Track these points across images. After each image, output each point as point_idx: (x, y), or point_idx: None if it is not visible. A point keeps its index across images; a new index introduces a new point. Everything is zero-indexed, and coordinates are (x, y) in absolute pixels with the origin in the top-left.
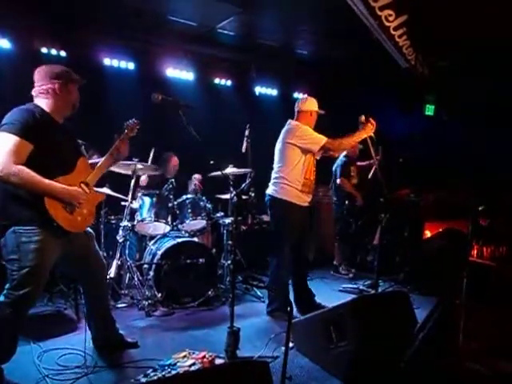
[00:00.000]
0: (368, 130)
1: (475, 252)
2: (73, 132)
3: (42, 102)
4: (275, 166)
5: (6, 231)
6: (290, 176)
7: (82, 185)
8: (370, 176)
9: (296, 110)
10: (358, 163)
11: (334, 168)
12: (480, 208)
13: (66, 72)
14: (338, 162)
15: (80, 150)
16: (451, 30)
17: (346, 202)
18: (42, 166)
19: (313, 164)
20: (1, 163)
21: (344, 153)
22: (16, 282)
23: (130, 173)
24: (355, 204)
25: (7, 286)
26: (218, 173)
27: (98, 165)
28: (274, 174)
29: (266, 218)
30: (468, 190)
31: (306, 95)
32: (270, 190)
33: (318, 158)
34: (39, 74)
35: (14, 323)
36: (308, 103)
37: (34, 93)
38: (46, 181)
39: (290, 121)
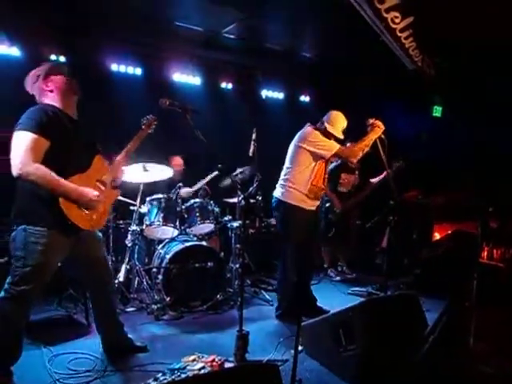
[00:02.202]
0: (377, 131)
1: (485, 254)
2: (88, 130)
3: (45, 101)
4: (284, 167)
5: (17, 226)
6: (296, 179)
7: (98, 183)
8: (375, 182)
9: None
10: (372, 180)
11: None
12: (490, 209)
13: (39, 69)
14: (332, 164)
15: (96, 147)
16: (459, 30)
17: (327, 205)
18: (58, 164)
19: (323, 171)
20: (20, 161)
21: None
22: (18, 278)
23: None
24: (334, 210)
25: (9, 280)
26: (228, 181)
27: (114, 164)
28: (282, 176)
29: (273, 221)
30: (477, 191)
31: (335, 112)
32: (277, 192)
33: (335, 162)
34: (26, 85)
35: (16, 321)
36: (327, 116)
37: (36, 96)
38: (62, 181)
39: (307, 124)
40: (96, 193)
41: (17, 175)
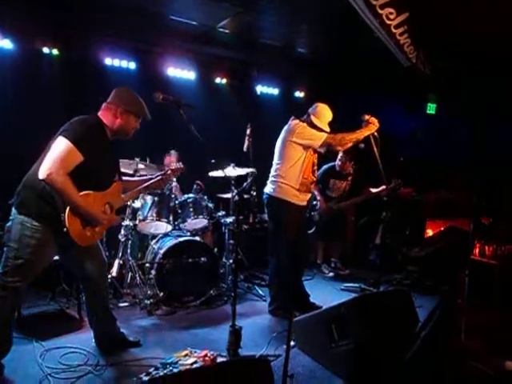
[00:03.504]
0: (371, 128)
1: (477, 250)
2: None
3: (103, 116)
4: (274, 163)
5: (15, 215)
6: (287, 174)
7: (107, 205)
8: (373, 192)
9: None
10: (372, 190)
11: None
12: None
13: (134, 102)
14: (325, 166)
15: (119, 173)
16: (453, 28)
17: (314, 203)
18: (81, 178)
19: (312, 163)
20: (51, 166)
21: (337, 163)
22: (8, 269)
23: (131, 172)
24: (317, 208)
25: None
26: (220, 173)
27: (127, 194)
28: (272, 172)
29: (267, 217)
30: (470, 188)
31: (321, 104)
32: (268, 188)
33: (322, 152)
34: (114, 92)
35: (3, 310)
36: (313, 109)
37: (103, 105)
38: (78, 197)
39: (292, 118)
40: (102, 215)
41: (42, 178)
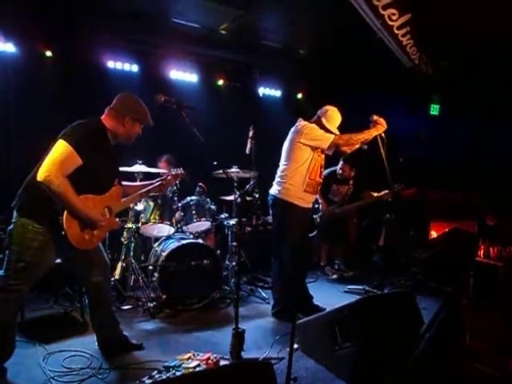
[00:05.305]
0: (379, 129)
1: (482, 252)
2: (118, 158)
3: (107, 121)
4: (281, 164)
5: (16, 218)
6: (294, 175)
7: (106, 209)
8: (375, 196)
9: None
10: (374, 194)
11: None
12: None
13: (140, 110)
14: (327, 171)
15: (120, 176)
16: (455, 29)
17: (316, 206)
18: (79, 182)
19: (319, 165)
20: (49, 169)
21: (337, 171)
22: (10, 272)
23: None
24: (319, 211)
25: (1, 272)
26: (223, 173)
27: (127, 198)
28: (278, 173)
29: (270, 219)
30: (474, 189)
31: (332, 108)
32: (274, 189)
33: (330, 154)
34: (119, 98)
35: (5, 313)
36: (322, 112)
37: (106, 109)
38: (77, 200)
39: (300, 119)
40: (101, 217)
41: (40, 180)
